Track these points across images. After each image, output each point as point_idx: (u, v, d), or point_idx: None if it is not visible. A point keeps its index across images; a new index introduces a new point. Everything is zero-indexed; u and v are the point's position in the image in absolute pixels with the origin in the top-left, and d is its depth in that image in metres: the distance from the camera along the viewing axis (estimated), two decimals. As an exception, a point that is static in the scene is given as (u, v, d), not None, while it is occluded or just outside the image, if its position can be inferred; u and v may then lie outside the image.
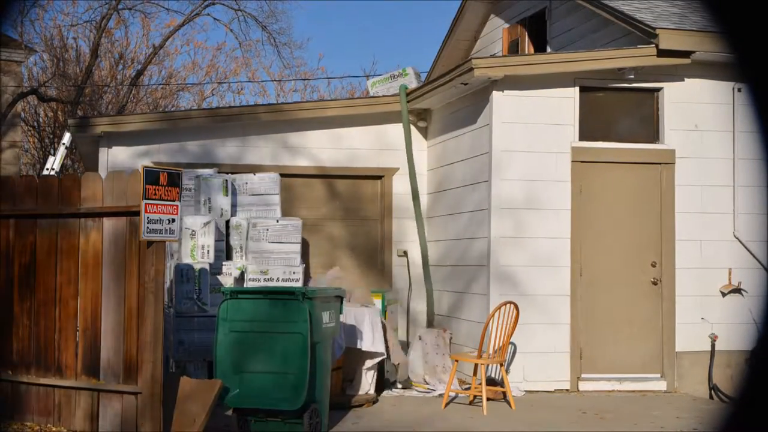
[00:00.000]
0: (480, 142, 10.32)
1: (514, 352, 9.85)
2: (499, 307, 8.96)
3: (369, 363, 9.27)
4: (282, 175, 10.90)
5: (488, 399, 8.82)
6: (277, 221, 10.07)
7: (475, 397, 9.09)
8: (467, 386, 9.53)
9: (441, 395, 9.58)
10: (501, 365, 9.05)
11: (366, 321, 9.20)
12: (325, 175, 11.93)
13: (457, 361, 9.18)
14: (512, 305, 9.02)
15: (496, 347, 8.96)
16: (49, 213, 7.70)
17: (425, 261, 11.61)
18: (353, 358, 9.23)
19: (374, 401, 9.20)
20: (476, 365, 9.01)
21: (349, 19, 45.75)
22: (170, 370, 8.98)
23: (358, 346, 9.09)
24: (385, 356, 9.40)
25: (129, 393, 7.13)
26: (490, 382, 9.13)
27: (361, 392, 9.21)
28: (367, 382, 9.29)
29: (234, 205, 10.29)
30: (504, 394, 9.09)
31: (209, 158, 11.57)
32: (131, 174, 7.29)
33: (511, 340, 9.49)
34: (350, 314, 9.06)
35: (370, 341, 9.16)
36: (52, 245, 7.67)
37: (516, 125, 10.03)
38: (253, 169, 11.58)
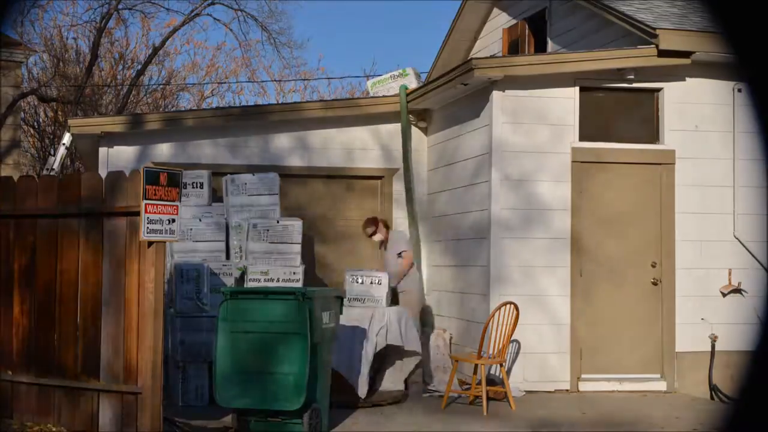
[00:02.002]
0: (480, 142, 10.32)
1: (517, 352, 9.85)
2: (499, 308, 8.96)
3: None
4: (282, 176, 10.91)
5: (489, 399, 8.81)
6: (278, 222, 10.07)
7: (475, 397, 9.09)
8: (467, 386, 9.52)
9: (441, 396, 9.58)
10: (501, 365, 9.04)
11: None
12: (326, 176, 11.93)
13: (457, 361, 9.17)
14: (512, 305, 9.02)
15: (497, 348, 8.95)
16: (49, 213, 7.70)
17: (417, 262, 11.62)
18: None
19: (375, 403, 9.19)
20: (476, 365, 9.01)
21: (349, 19, 45.76)
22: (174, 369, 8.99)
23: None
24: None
25: (129, 393, 7.13)
26: (490, 382, 9.12)
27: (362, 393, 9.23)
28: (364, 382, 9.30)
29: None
30: (504, 394, 9.08)
31: (209, 158, 11.57)
32: (131, 174, 7.29)
33: (512, 340, 9.48)
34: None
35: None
36: (52, 245, 7.67)
37: (516, 125, 10.03)
38: (253, 169, 11.58)
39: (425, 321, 11.11)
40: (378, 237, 10.61)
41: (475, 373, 9.06)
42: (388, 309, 9.46)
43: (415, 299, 10.41)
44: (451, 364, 10.20)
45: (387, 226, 10.74)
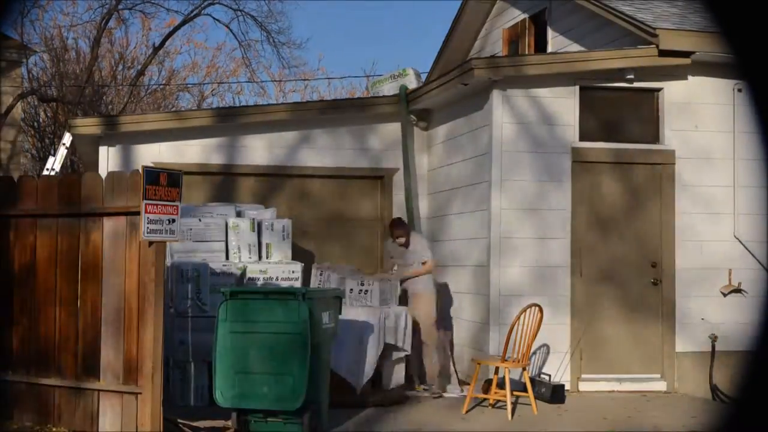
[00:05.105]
0: (480, 142, 10.32)
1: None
2: (525, 310, 8.72)
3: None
4: (281, 176, 10.91)
5: (500, 402, 8.75)
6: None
7: (496, 401, 9.01)
8: (466, 386, 9.49)
9: (440, 397, 9.58)
10: (524, 369, 8.81)
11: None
12: (326, 176, 11.92)
13: (479, 364, 8.97)
14: (536, 308, 8.79)
15: (521, 351, 8.76)
16: (49, 213, 7.70)
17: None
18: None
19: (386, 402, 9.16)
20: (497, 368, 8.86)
21: (350, 19, 45.77)
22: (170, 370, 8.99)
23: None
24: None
25: (129, 393, 7.14)
26: (489, 383, 9.07)
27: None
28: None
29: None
30: (517, 397, 8.91)
31: (209, 158, 11.57)
32: (131, 174, 7.29)
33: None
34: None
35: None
36: (53, 245, 7.67)
37: (516, 125, 10.03)
38: (251, 169, 11.60)
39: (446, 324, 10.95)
40: (401, 240, 10.07)
41: (496, 374, 8.96)
42: (387, 308, 9.47)
43: (429, 302, 10.02)
44: (452, 365, 10.20)
45: (408, 226, 10.34)
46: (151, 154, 11.35)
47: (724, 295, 10.15)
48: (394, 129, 11.95)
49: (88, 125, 11.63)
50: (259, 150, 11.71)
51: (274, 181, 11.80)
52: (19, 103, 22.31)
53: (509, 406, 8.50)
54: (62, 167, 14.35)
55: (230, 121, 11.75)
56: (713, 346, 10.08)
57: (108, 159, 11.35)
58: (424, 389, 9.88)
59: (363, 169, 11.96)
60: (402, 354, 9.65)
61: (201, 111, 15.00)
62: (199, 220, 9.98)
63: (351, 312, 9.25)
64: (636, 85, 10.21)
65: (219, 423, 7.78)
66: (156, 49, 25.65)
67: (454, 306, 10.96)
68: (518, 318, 8.68)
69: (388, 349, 9.48)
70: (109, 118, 14.61)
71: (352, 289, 9.77)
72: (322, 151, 11.85)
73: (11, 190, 7.99)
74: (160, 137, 11.49)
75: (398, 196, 11.94)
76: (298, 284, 9.60)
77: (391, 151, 11.98)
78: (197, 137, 11.58)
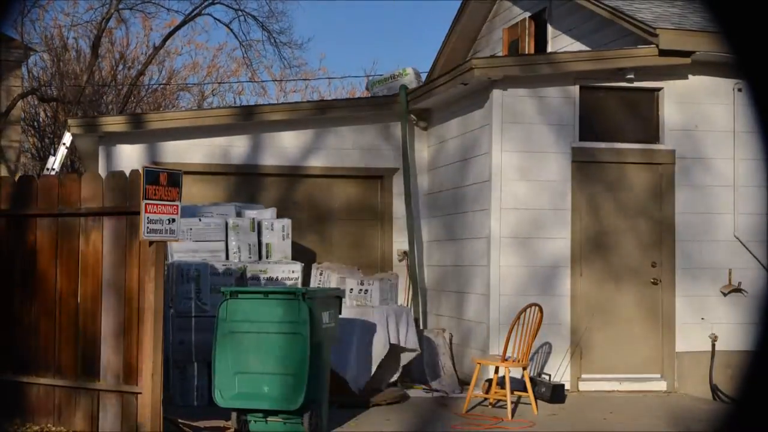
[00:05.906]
0: (480, 142, 10.31)
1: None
2: (524, 310, 8.70)
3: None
4: (282, 175, 10.90)
5: (500, 402, 8.72)
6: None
7: (496, 401, 9.01)
8: (466, 386, 9.49)
9: (443, 396, 9.58)
10: (524, 369, 8.78)
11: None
12: (326, 176, 11.92)
13: (479, 364, 8.96)
14: (536, 307, 8.78)
15: (521, 351, 8.74)
16: (50, 213, 7.69)
17: (412, 263, 11.60)
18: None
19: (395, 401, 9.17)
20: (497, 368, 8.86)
21: (350, 19, 45.79)
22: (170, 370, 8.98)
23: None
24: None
25: (129, 393, 7.13)
26: (497, 383, 9.05)
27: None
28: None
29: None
30: (518, 397, 8.91)
31: (210, 158, 11.56)
32: (131, 174, 7.28)
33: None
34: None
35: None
36: (53, 245, 7.67)
37: (516, 125, 10.02)
38: (253, 169, 11.59)
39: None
40: None
41: (496, 373, 8.97)
42: (386, 308, 9.45)
43: None
44: (450, 365, 10.21)
45: None
46: (154, 154, 11.36)
47: (724, 295, 10.15)
48: (394, 129, 11.94)
49: (88, 125, 11.62)
50: (259, 149, 11.70)
51: (276, 182, 11.80)
52: (19, 102, 22.32)
53: (509, 406, 8.50)
54: (62, 167, 14.34)
55: (227, 121, 11.74)
56: (713, 346, 10.08)
57: (107, 158, 11.36)
58: (424, 389, 9.89)
59: (363, 168, 11.96)
60: (413, 354, 9.63)
61: (207, 110, 15.00)
62: (199, 220, 9.98)
63: (352, 312, 9.24)
64: (636, 84, 10.20)
65: (219, 423, 7.78)
66: (156, 49, 25.64)
67: (453, 306, 10.95)
68: (518, 318, 8.68)
69: (391, 349, 9.47)
70: (134, 116, 14.60)
71: (352, 289, 9.76)
72: (322, 151, 11.84)
73: (10, 190, 7.99)
74: (161, 137, 11.49)
75: (398, 196, 11.93)
76: (298, 284, 9.60)
77: (391, 151, 11.97)
78: (200, 137, 11.57)
